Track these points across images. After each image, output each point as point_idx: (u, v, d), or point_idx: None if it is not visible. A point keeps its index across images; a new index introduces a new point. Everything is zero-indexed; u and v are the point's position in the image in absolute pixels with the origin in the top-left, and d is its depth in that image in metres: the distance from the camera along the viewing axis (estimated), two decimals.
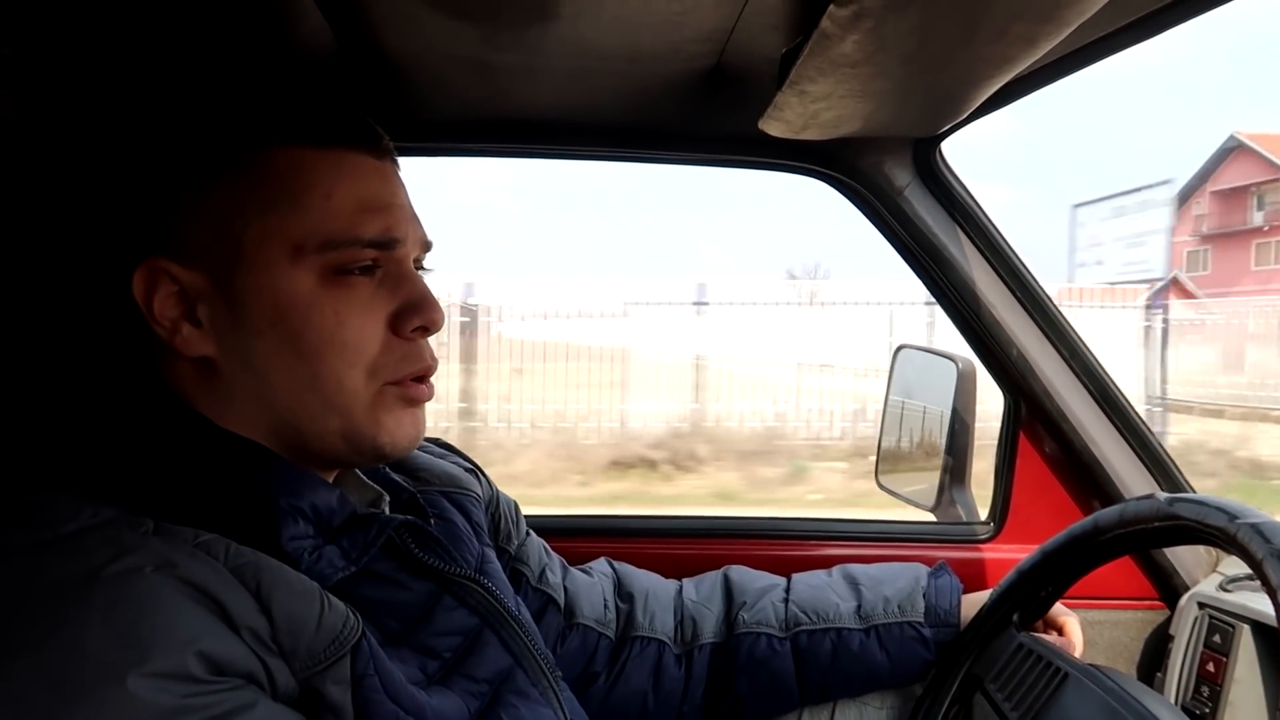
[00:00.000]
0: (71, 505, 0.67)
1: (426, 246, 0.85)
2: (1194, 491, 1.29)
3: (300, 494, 0.76)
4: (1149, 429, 1.38)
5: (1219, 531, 0.89)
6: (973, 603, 1.20)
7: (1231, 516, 0.88)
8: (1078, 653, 1.15)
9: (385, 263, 0.80)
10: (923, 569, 1.25)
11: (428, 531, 0.88)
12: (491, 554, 1.00)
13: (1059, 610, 1.18)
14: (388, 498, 0.92)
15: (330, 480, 0.84)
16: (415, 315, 0.80)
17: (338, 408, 0.78)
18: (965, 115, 1.03)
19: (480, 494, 1.07)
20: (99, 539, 0.64)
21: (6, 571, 0.63)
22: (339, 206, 0.77)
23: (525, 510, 1.19)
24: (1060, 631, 1.17)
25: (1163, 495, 0.99)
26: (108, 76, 0.99)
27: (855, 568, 1.27)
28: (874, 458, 1.67)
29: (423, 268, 0.86)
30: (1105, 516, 1.04)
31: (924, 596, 1.20)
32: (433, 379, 0.84)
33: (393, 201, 0.81)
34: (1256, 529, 0.85)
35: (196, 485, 0.74)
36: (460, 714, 0.80)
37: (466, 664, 0.84)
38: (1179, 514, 0.94)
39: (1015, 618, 1.15)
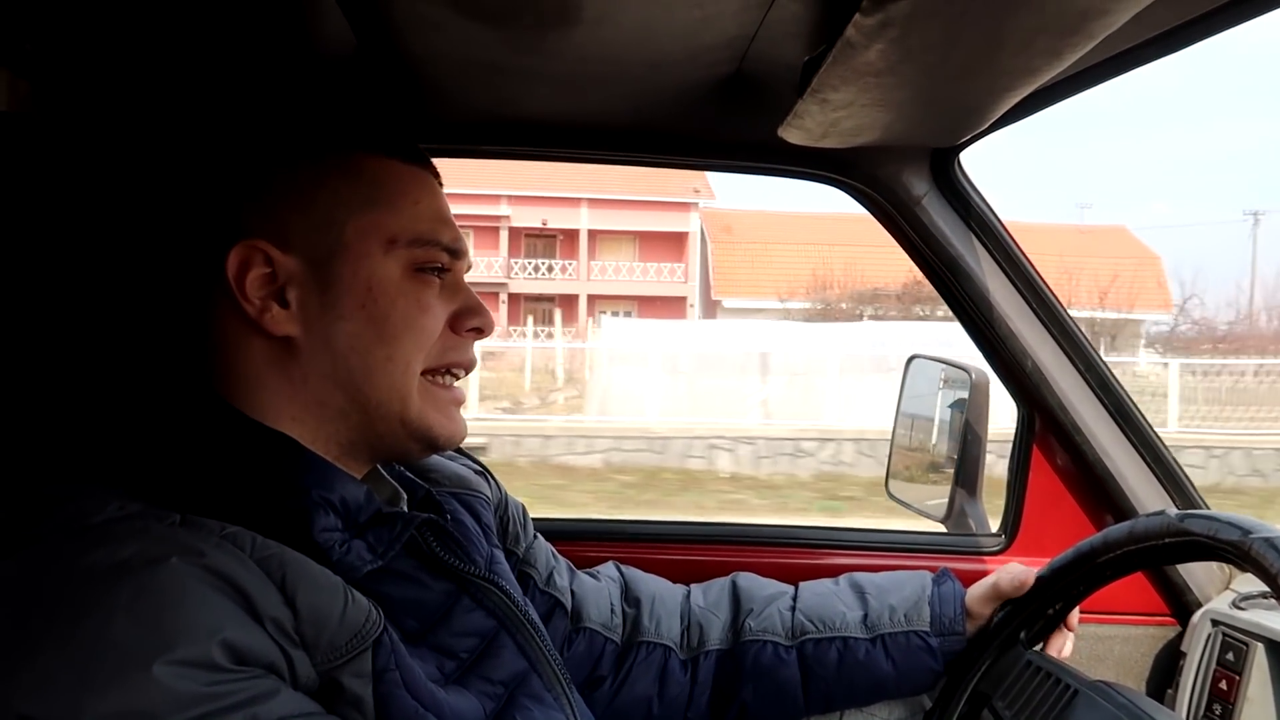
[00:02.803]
0: (99, 499, 0.69)
1: (469, 267, 0.94)
2: (1209, 508, 1.28)
3: (331, 487, 0.79)
4: (1163, 444, 1.37)
5: (1232, 547, 0.88)
6: (974, 597, 1.19)
7: (1245, 531, 0.87)
8: (1070, 643, 1.16)
9: (451, 269, 0.89)
10: (929, 577, 1.24)
11: (447, 530, 0.90)
12: (500, 555, 1.01)
13: None
14: (405, 495, 0.93)
15: (359, 478, 0.86)
16: (473, 317, 0.89)
17: (400, 391, 0.84)
18: (986, 126, 1.02)
19: (489, 496, 1.07)
20: (126, 529, 0.66)
21: (35, 559, 0.65)
22: (424, 213, 0.87)
23: (533, 514, 1.19)
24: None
25: (1174, 511, 0.98)
26: (136, 73, 0.99)
27: (862, 576, 1.26)
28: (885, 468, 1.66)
29: None
30: (1115, 533, 1.04)
31: (929, 605, 1.19)
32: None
33: (454, 222, 0.91)
34: (1271, 543, 0.84)
35: (226, 479, 0.76)
36: (476, 714, 0.81)
37: (483, 666, 0.85)
38: (1191, 530, 0.94)
39: (1023, 635, 1.14)
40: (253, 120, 0.89)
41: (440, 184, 0.92)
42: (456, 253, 0.89)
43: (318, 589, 0.70)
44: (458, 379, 0.91)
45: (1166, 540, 0.96)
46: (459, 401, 0.90)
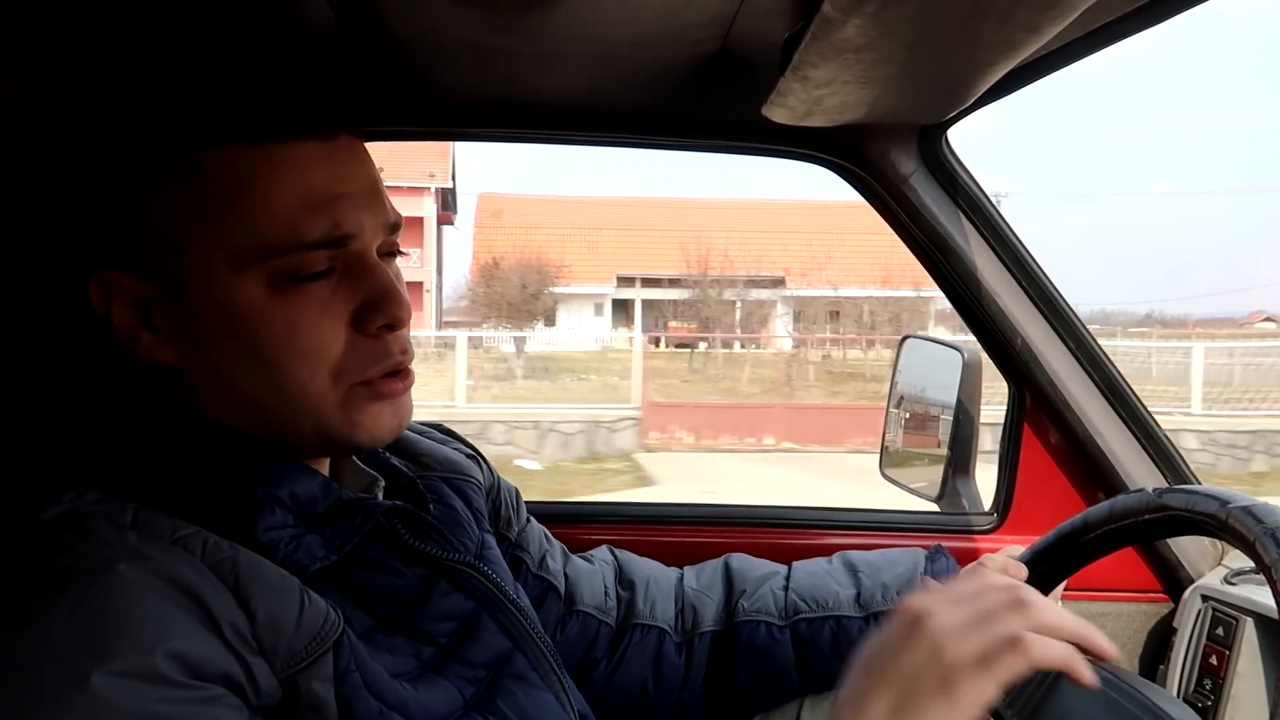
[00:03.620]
0: (53, 489, 0.67)
1: (393, 228, 0.80)
2: (1199, 483, 1.29)
3: (279, 483, 0.75)
4: (1154, 420, 1.37)
5: (1210, 518, 0.88)
6: (966, 574, 1.18)
7: (1223, 502, 0.87)
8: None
9: (341, 259, 0.75)
10: (922, 554, 1.24)
11: (420, 516, 0.87)
12: (491, 540, 1.00)
13: None
14: (383, 482, 0.91)
15: (324, 466, 0.84)
16: (377, 313, 0.76)
17: (306, 410, 0.75)
18: (970, 102, 1.01)
19: (481, 480, 1.06)
20: (75, 532, 0.63)
21: None
22: (278, 209, 0.72)
23: (526, 498, 1.19)
24: None
25: (1152, 487, 0.98)
26: (114, 66, 0.99)
27: (855, 555, 1.26)
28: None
29: (398, 250, 0.82)
30: (1095, 513, 1.04)
31: (922, 581, 1.19)
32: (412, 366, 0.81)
33: (342, 191, 0.74)
34: (1248, 511, 0.84)
35: (177, 470, 0.73)
36: (452, 704, 0.79)
37: (463, 649, 0.84)
38: (1169, 504, 0.94)
39: None
40: (92, 131, 0.76)
41: (335, 136, 0.75)
42: (338, 241, 0.73)
43: (272, 592, 0.67)
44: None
45: (1146, 516, 0.97)
46: (395, 394, 0.78)
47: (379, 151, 0.88)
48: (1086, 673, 0.67)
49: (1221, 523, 0.87)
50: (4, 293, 0.88)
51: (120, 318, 0.74)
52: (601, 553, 1.26)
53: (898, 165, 1.29)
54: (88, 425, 0.76)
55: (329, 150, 0.75)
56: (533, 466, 11.56)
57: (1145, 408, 1.37)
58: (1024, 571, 1.12)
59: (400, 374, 0.79)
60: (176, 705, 0.59)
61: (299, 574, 0.71)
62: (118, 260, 0.74)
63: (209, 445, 0.75)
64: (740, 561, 1.27)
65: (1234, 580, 1.25)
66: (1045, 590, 1.13)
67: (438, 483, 0.98)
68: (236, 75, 0.75)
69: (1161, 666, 1.29)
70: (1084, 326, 1.36)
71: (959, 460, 1.49)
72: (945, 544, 1.32)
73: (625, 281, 27.46)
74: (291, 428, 0.77)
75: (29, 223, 0.86)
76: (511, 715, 0.82)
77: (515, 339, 20.96)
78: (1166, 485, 1.08)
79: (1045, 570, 1.11)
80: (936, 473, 1.51)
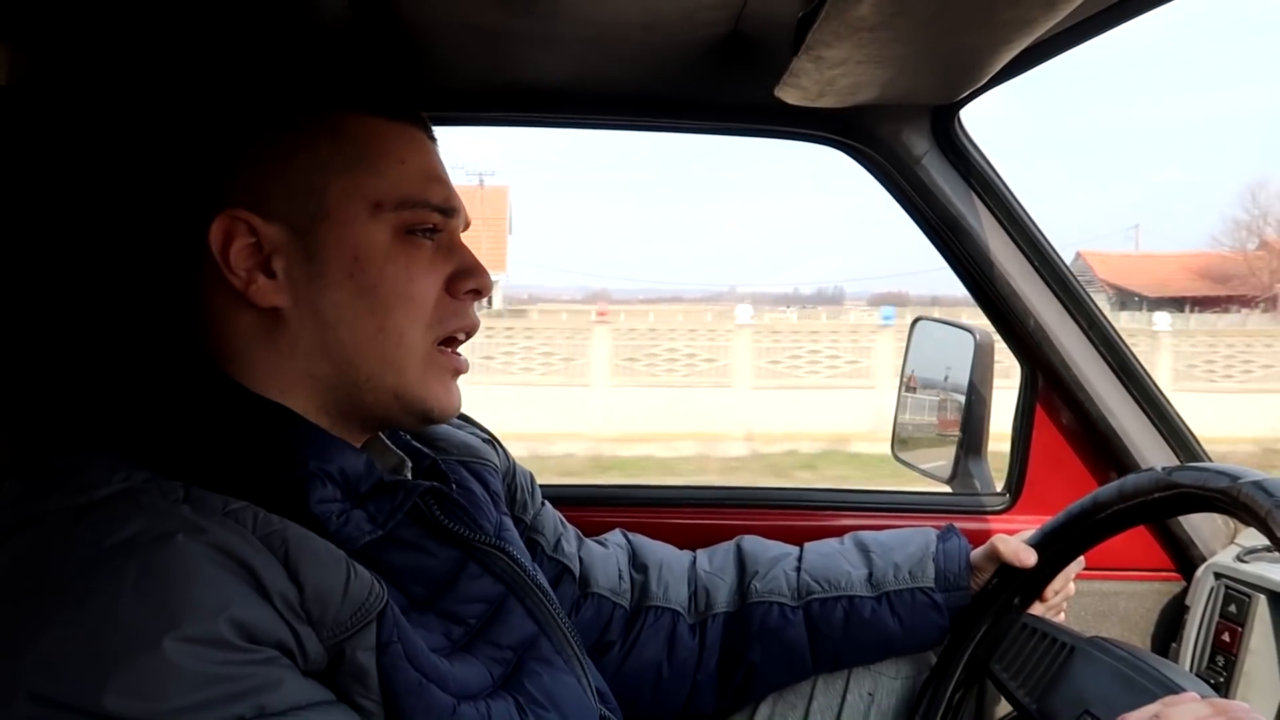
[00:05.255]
0: (104, 469, 0.69)
1: (467, 224, 0.91)
2: (1212, 462, 1.29)
3: (329, 458, 0.78)
4: (1167, 400, 1.37)
5: (1221, 494, 0.88)
6: (977, 555, 1.19)
7: (1234, 478, 0.87)
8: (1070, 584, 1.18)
9: (444, 229, 0.86)
10: (933, 534, 1.23)
11: (453, 498, 0.90)
12: (509, 522, 1.02)
13: None
14: (410, 464, 0.94)
15: (359, 446, 0.86)
16: (470, 279, 0.87)
17: (394, 363, 0.83)
18: (984, 82, 1.01)
19: (497, 464, 1.08)
20: (131, 505, 0.66)
21: (40, 537, 0.65)
22: (411, 172, 0.84)
23: (540, 482, 1.19)
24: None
25: (1162, 466, 0.99)
26: (133, 48, 0.99)
27: (867, 535, 1.26)
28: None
29: None
30: (1104, 493, 1.04)
31: (934, 561, 1.20)
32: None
33: (448, 178, 0.88)
34: (1259, 485, 0.84)
35: (227, 449, 0.76)
36: (482, 681, 0.82)
37: (491, 631, 0.86)
38: (1179, 482, 0.94)
39: (1017, 600, 1.14)
40: (227, 87, 0.87)
41: (433, 139, 0.89)
42: (449, 211, 0.86)
43: (320, 564, 0.70)
44: (460, 343, 0.89)
45: (1156, 495, 0.97)
46: (459, 371, 0.88)
47: None
48: None
49: (1232, 499, 0.87)
50: (52, 272, 0.90)
51: (238, 260, 0.80)
52: (615, 536, 1.27)
53: (910, 146, 1.29)
54: (134, 407, 0.78)
55: (432, 146, 0.89)
56: None
57: (1158, 388, 1.37)
58: (1033, 557, 1.12)
59: (468, 338, 0.89)
60: (239, 667, 0.62)
61: (346, 547, 0.74)
62: (249, 203, 0.80)
63: (259, 421, 0.78)
64: (752, 543, 1.28)
65: (1247, 558, 1.26)
66: (1057, 569, 1.13)
67: (455, 466, 0.99)
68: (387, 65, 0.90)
69: (1174, 644, 1.29)
70: (1097, 307, 1.35)
71: (971, 441, 1.49)
72: (957, 524, 1.32)
73: None
74: (374, 383, 0.83)
75: (125, 181, 0.91)
76: (537, 696, 0.84)
77: None
78: (1178, 464, 1.08)
79: (1055, 551, 1.11)
80: (948, 454, 1.52)
